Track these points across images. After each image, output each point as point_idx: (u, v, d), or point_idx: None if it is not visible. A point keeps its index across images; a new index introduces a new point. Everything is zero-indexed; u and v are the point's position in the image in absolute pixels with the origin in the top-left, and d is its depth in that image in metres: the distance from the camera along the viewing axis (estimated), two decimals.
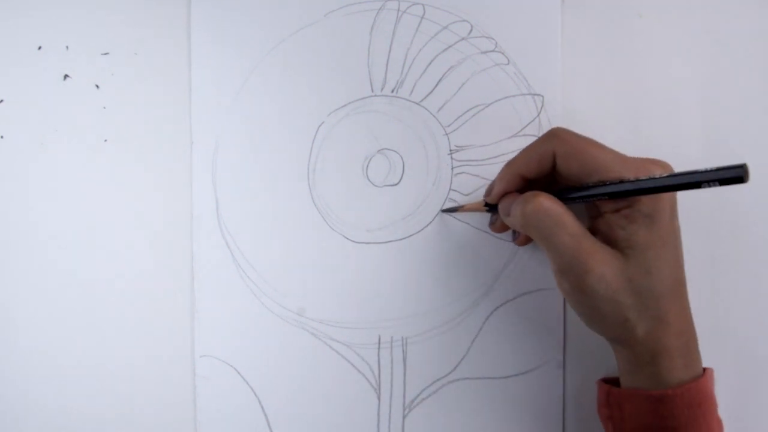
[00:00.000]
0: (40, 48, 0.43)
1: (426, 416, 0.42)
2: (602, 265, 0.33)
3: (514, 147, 0.42)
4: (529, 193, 0.35)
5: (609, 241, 0.35)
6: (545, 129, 0.42)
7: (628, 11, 0.42)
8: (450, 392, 0.42)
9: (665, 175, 0.32)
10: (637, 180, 0.33)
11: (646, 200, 0.34)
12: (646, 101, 0.42)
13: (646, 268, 0.34)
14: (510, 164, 0.38)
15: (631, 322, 0.34)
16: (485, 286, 0.42)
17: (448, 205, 0.42)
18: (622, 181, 0.33)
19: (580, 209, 0.39)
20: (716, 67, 0.42)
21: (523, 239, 0.40)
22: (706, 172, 0.29)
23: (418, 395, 0.42)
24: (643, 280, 0.34)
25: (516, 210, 0.35)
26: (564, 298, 0.42)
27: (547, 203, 0.34)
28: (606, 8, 0.42)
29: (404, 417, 0.42)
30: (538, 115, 0.42)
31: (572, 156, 0.35)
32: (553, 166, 0.36)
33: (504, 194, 0.38)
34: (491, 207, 0.39)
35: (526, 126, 0.42)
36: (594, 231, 0.36)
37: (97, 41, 0.43)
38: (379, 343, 0.43)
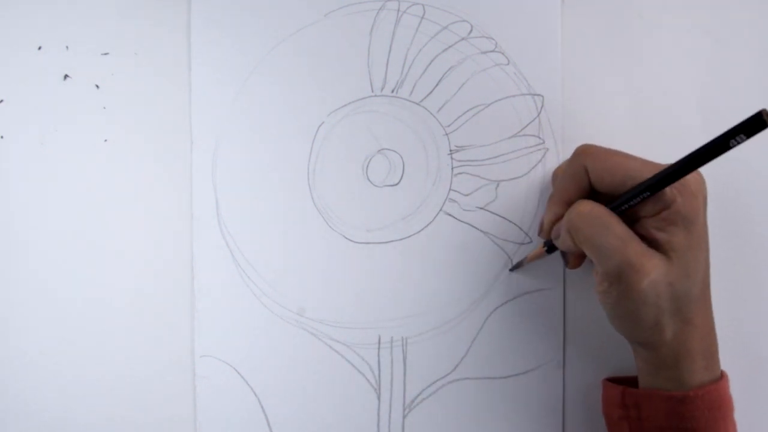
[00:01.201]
0: (40, 48, 0.43)
1: (426, 416, 0.42)
2: (654, 268, 0.33)
3: (514, 147, 0.42)
4: (573, 204, 0.35)
5: (649, 245, 0.34)
6: (545, 129, 0.42)
7: (628, 11, 0.42)
8: (450, 392, 0.42)
9: (693, 151, 0.31)
10: (671, 165, 0.32)
11: (683, 201, 0.33)
12: (646, 101, 0.42)
13: (686, 271, 0.33)
14: (551, 197, 0.38)
15: (662, 325, 0.34)
16: (485, 285, 0.42)
17: (448, 206, 0.42)
18: (658, 174, 0.33)
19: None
20: (716, 67, 0.42)
21: (574, 262, 0.39)
22: (730, 130, 0.29)
23: (418, 395, 0.42)
24: (682, 284, 0.33)
25: (563, 227, 0.35)
26: (564, 298, 0.42)
27: (590, 206, 0.34)
28: (606, 8, 0.42)
29: (404, 417, 0.42)
30: (538, 115, 0.42)
31: (602, 168, 0.35)
32: (590, 183, 0.36)
33: (553, 224, 0.38)
34: (551, 247, 0.39)
35: (526, 126, 0.42)
36: None
37: (97, 41, 0.43)
38: (379, 343, 0.43)
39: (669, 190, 0.33)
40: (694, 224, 0.33)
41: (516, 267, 0.42)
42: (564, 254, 0.40)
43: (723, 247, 0.42)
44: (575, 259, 0.39)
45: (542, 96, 0.42)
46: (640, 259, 0.33)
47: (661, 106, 0.42)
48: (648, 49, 0.42)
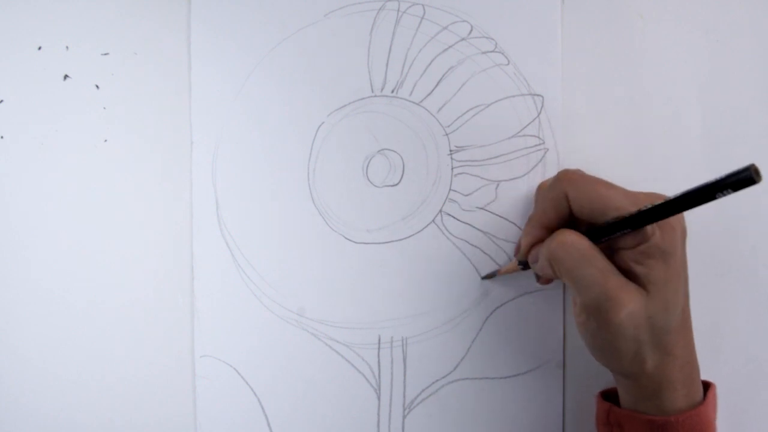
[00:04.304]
0: (40, 48, 0.43)
1: (426, 416, 0.42)
2: (632, 301, 0.33)
3: (513, 147, 0.42)
4: (553, 234, 0.35)
5: (627, 277, 0.34)
6: (545, 129, 0.42)
7: (628, 11, 0.42)
8: (450, 392, 0.42)
9: (679, 194, 0.31)
10: (654, 205, 0.32)
11: (661, 235, 0.33)
12: (646, 101, 0.42)
13: (665, 304, 0.33)
14: (530, 219, 0.38)
15: (641, 356, 0.34)
16: (485, 285, 0.42)
17: (448, 206, 0.42)
18: (639, 211, 0.32)
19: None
20: (716, 67, 0.42)
21: (545, 280, 0.40)
22: (717, 181, 0.29)
23: (418, 395, 0.42)
24: (661, 317, 0.33)
25: (543, 253, 0.35)
26: (564, 298, 0.42)
27: (572, 237, 0.34)
28: (606, 8, 0.42)
29: (404, 417, 0.42)
30: (538, 115, 0.42)
31: (583, 196, 0.35)
32: (570, 210, 0.36)
33: (531, 247, 0.38)
34: (525, 265, 0.39)
35: (526, 126, 0.42)
36: None
37: (97, 41, 0.43)
38: (379, 343, 0.43)
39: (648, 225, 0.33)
40: (672, 257, 0.33)
41: (488, 276, 0.42)
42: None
43: (722, 249, 0.42)
44: (547, 279, 0.40)
45: (542, 96, 0.42)
46: (619, 293, 0.33)
47: (661, 106, 0.42)
48: (648, 49, 0.42)
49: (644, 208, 0.32)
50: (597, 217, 0.34)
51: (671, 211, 0.31)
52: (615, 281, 0.33)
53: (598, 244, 0.34)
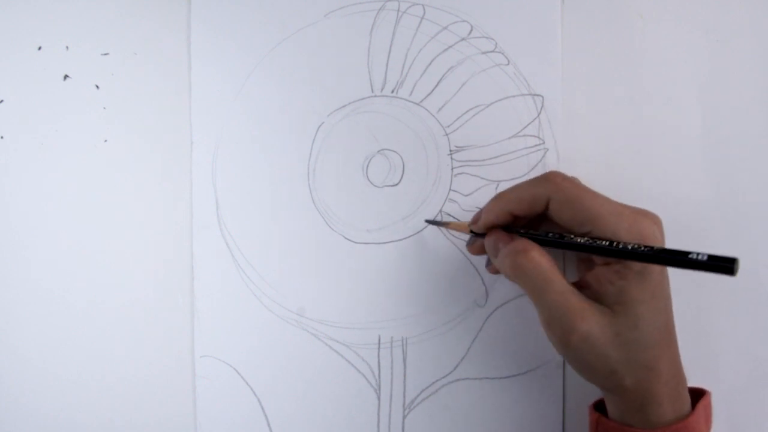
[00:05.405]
0: (40, 48, 0.43)
1: (426, 416, 0.42)
2: (588, 323, 0.33)
3: (513, 147, 0.42)
4: (519, 243, 0.35)
5: (598, 294, 0.34)
6: (545, 129, 0.42)
7: (628, 11, 0.42)
8: (450, 392, 0.42)
9: (656, 248, 0.32)
10: (628, 249, 0.32)
11: None
12: (646, 101, 0.42)
13: (635, 322, 0.34)
14: (500, 198, 0.37)
15: (618, 373, 0.34)
16: (485, 286, 0.42)
17: (448, 206, 0.42)
18: (611, 243, 0.33)
19: (570, 255, 0.38)
20: (716, 67, 0.42)
21: (494, 268, 0.40)
22: (697, 260, 0.29)
23: (418, 395, 0.42)
24: (630, 334, 0.33)
25: (506, 259, 0.36)
26: None
27: (537, 259, 0.34)
28: (606, 8, 0.42)
29: (404, 417, 0.42)
30: (538, 115, 0.42)
31: (566, 204, 0.35)
32: (545, 210, 0.36)
33: (491, 227, 0.38)
34: (476, 236, 0.39)
35: (526, 126, 0.42)
36: (584, 283, 0.36)
37: (97, 41, 0.43)
38: (379, 343, 0.43)
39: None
40: (647, 278, 0.34)
41: (434, 222, 0.42)
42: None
43: (720, 251, 0.42)
44: (495, 269, 0.40)
45: (542, 96, 0.42)
46: (573, 315, 0.33)
47: (661, 106, 0.42)
48: (648, 49, 0.42)
49: (618, 247, 0.33)
50: (575, 225, 0.35)
51: (641, 258, 0.32)
52: (574, 304, 0.34)
53: (559, 249, 0.35)
